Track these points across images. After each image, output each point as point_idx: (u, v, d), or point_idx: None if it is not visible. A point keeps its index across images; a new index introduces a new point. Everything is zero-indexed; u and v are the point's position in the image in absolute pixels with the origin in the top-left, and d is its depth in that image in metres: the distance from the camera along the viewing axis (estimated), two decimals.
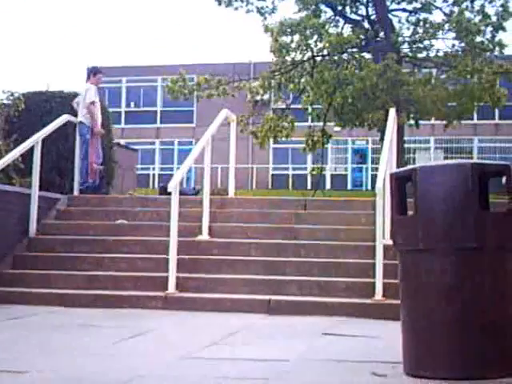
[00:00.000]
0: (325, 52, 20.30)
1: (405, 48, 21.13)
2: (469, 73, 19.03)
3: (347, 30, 20.88)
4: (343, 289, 7.63)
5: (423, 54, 20.98)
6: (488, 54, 20.00)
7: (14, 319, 6.86)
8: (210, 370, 4.61)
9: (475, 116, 31.34)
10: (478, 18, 19.87)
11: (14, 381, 4.27)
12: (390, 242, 5.34)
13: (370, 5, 21.54)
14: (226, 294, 7.70)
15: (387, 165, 8.19)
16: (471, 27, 19.00)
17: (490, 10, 20.05)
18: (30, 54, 71.43)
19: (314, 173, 21.80)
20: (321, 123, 21.19)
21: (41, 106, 11.91)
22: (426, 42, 20.69)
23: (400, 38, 20.74)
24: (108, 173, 12.59)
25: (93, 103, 10.92)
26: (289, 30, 19.59)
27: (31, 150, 9.50)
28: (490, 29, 19.74)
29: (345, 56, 20.37)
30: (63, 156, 11.48)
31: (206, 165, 9.24)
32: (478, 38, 19.66)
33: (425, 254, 4.23)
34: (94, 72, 11.41)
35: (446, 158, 36.67)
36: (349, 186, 37.75)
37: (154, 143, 41.82)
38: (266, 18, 21.01)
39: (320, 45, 20.10)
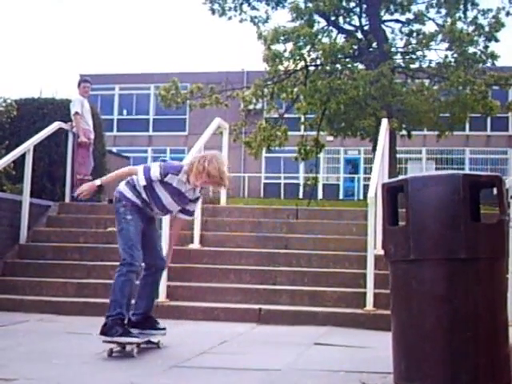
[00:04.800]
0: (318, 62, 20.34)
1: (398, 58, 21.19)
2: (461, 84, 19.10)
3: (340, 40, 20.92)
4: (334, 299, 7.63)
5: (416, 65, 21.04)
6: (480, 65, 20.08)
7: (3, 326, 6.83)
8: (200, 378, 4.60)
9: (467, 127, 31.48)
10: (470, 29, 19.96)
11: None
12: (382, 252, 5.35)
13: (364, 15, 21.60)
14: (216, 302, 7.69)
15: (379, 175, 8.21)
16: (464, 37, 19.07)
17: (483, 21, 20.15)
18: (24, 60, 71.41)
19: (309, 183, 21.79)
20: (313, 132, 21.22)
21: (33, 113, 11.91)
22: (419, 53, 20.75)
23: (393, 49, 20.80)
24: None
25: (76, 114, 10.99)
26: (282, 37, 19.63)
27: (23, 156, 9.49)
28: (482, 39, 19.81)
29: (338, 66, 20.40)
30: (55, 163, 11.46)
31: None
32: (471, 49, 19.74)
33: (416, 265, 4.22)
34: (78, 83, 11.50)
35: (437, 168, 36.71)
36: (341, 196, 37.77)
37: (146, 151, 41.75)
38: (259, 28, 21.06)
39: (313, 55, 20.15)
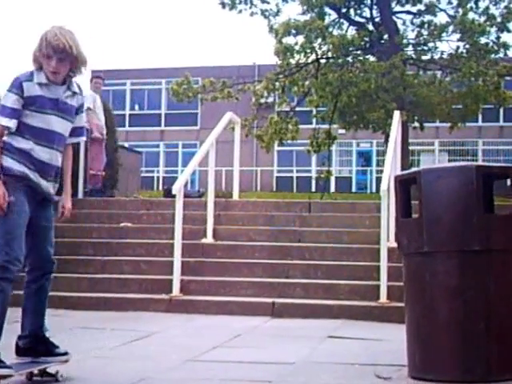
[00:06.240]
0: (329, 54, 20.30)
1: (409, 50, 21.11)
2: (473, 75, 19.02)
3: (351, 33, 20.87)
4: (348, 291, 7.62)
5: (428, 56, 20.96)
6: (493, 55, 19.99)
7: (17, 322, 6.84)
8: (214, 372, 4.61)
9: (480, 118, 31.33)
10: (482, 19, 19.87)
11: None
12: (395, 245, 5.34)
13: (374, 7, 21.52)
14: (230, 296, 7.70)
15: (392, 167, 8.18)
16: (475, 28, 18.99)
17: (495, 11, 20.05)
18: None
19: (323, 176, 21.74)
20: (325, 125, 21.17)
21: None
22: (431, 44, 20.67)
23: (404, 40, 20.72)
24: (112, 176, 12.60)
25: (89, 109, 11.00)
26: (294, 31, 19.59)
27: None
28: (494, 29, 19.73)
29: (349, 58, 20.35)
30: None
31: (211, 167, 9.24)
32: (483, 40, 19.66)
33: (429, 257, 4.22)
34: (90, 78, 11.55)
35: (450, 160, 36.56)
36: (353, 189, 37.69)
37: (158, 146, 41.81)
38: (270, 21, 21.02)
39: (324, 48, 20.10)
